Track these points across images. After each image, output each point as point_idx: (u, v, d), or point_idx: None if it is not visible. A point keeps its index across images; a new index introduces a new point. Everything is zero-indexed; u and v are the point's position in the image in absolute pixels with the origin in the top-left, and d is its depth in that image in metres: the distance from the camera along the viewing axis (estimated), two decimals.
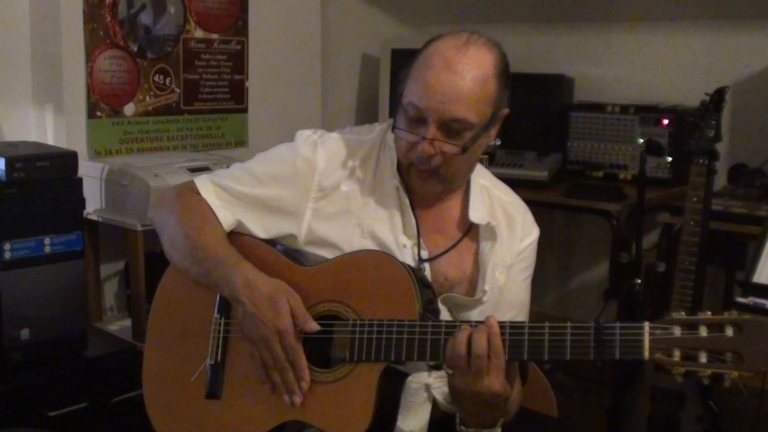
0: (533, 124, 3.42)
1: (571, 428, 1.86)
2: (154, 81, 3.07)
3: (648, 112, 3.29)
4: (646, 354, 1.33)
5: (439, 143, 1.51)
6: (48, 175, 2.27)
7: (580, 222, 3.83)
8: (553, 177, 3.31)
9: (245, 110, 3.40)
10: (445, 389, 1.53)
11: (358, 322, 1.49)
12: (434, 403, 1.58)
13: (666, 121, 3.23)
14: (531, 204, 1.77)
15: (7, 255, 2.20)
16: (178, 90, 3.15)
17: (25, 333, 2.26)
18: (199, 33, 3.18)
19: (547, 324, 1.40)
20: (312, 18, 3.60)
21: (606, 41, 3.69)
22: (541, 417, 1.81)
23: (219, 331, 1.59)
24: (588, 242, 3.83)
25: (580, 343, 1.37)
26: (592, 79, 3.66)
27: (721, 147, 2.41)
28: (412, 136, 1.53)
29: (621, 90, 3.59)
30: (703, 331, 1.31)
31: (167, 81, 3.11)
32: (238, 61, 3.33)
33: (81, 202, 2.38)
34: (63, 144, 2.80)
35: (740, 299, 2.05)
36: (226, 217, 1.62)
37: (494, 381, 1.39)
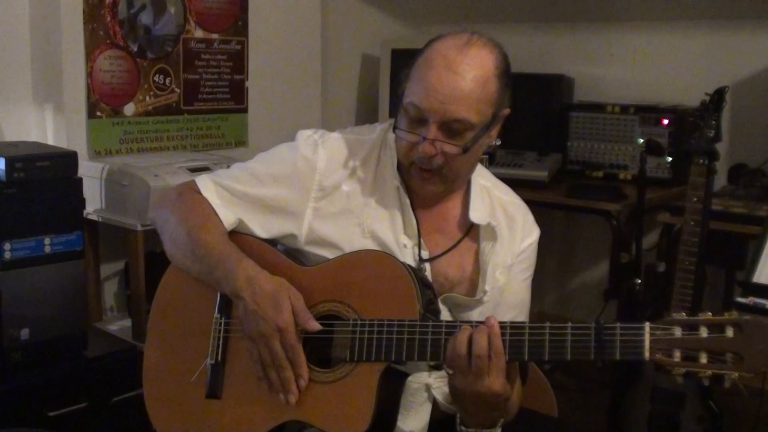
0: (533, 124, 3.42)
1: (571, 428, 1.87)
2: (154, 81, 3.07)
3: (648, 112, 3.28)
4: (647, 354, 1.33)
5: (440, 143, 1.51)
6: (48, 175, 2.27)
7: (580, 222, 3.83)
8: (553, 177, 3.31)
9: (245, 110, 3.40)
10: (446, 389, 1.53)
11: (359, 322, 1.49)
12: (434, 403, 1.58)
13: (666, 121, 3.23)
14: (531, 204, 1.77)
15: (7, 255, 2.20)
16: (178, 90, 3.15)
17: (25, 333, 2.26)
18: (199, 33, 3.18)
19: (547, 324, 1.40)
20: (312, 18, 3.60)
21: (606, 41, 3.69)
22: (541, 417, 1.81)
23: (219, 330, 1.59)
24: (588, 242, 3.83)
25: (580, 343, 1.37)
26: (592, 79, 3.66)
27: (721, 147, 2.41)
28: (413, 137, 1.53)
29: (621, 90, 3.58)
30: (704, 332, 1.31)
31: (167, 81, 3.11)
32: (238, 61, 3.33)
33: (81, 202, 2.38)
34: (63, 144, 2.80)
35: (740, 299, 2.05)
36: (228, 216, 1.62)
37: (494, 381, 1.39)
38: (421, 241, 1.61)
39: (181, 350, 1.62)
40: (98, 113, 2.92)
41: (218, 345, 1.58)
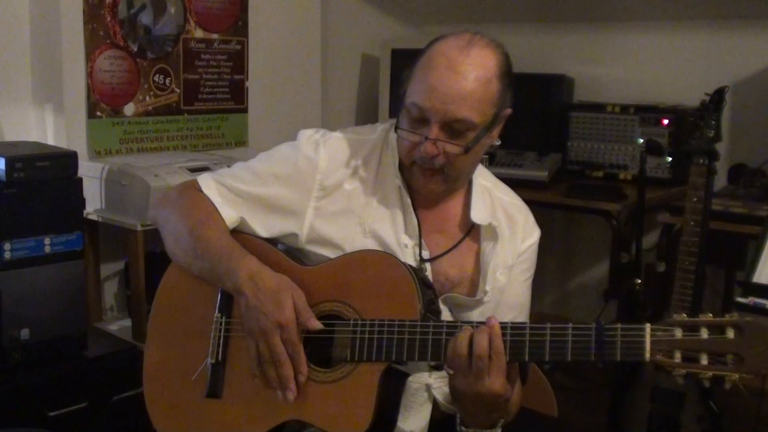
0: (533, 124, 3.42)
1: (571, 428, 1.87)
2: (154, 81, 3.07)
3: (648, 112, 3.28)
4: (647, 355, 1.33)
5: (441, 143, 1.51)
6: (48, 175, 2.26)
7: (580, 222, 3.83)
8: (553, 177, 3.31)
9: (245, 110, 3.40)
10: (446, 389, 1.53)
11: (360, 321, 1.49)
12: (435, 404, 1.58)
13: (666, 121, 3.23)
14: (531, 204, 1.77)
15: (7, 255, 2.20)
16: (178, 90, 3.15)
17: (25, 333, 2.25)
18: (199, 33, 3.18)
19: (548, 325, 1.40)
20: (312, 18, 3.60)
21: (606, 41, 3.68)
22: (541, 417, 1.81)
23: (220, 330, 1.59)
24: (588, 242, 3.83)
25: (581, 344, 1.37)
26: (592, 79, 3.66)
27: (721, 147, 2.41)
28: (415, 136, 1.53)
29: (621, 90, 3.58)
30: (704, 333, 1.31)
31: (167, 81, 3.11)
32: (238, 61, 3.33)
33: (81, 202, 2.38)
34: (63, 144, 2.80)
35: (740, 299, 2.05)
36: (230, 214, 1.62)
37: (495, 381, 1.39)
38: (422, 241, 1.61)
39: (181, 350, 1.62)
40: (98, 113, 2.92)
41: (219, 345, 1.58)
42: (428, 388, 1.57)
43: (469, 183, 1.67)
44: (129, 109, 3.01)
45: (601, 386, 3.18)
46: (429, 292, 1.53)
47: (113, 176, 2.71)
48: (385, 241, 1.59)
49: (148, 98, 3.06)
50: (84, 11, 2.82)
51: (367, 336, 1.48)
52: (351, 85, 3.99)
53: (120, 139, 3.00)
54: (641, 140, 3.25)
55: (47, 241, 2.27)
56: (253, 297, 1.51)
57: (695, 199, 2.36)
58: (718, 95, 2.38)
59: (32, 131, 2.89)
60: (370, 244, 1.59)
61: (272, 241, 1.65)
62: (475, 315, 1.61)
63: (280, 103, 3.51)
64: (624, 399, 2.56)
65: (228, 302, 1.60)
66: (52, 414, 2.26)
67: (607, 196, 3.05)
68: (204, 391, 1.58)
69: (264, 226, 1.63)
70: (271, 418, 1.53)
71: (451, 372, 1.43)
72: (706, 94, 2.40)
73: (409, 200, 1.61)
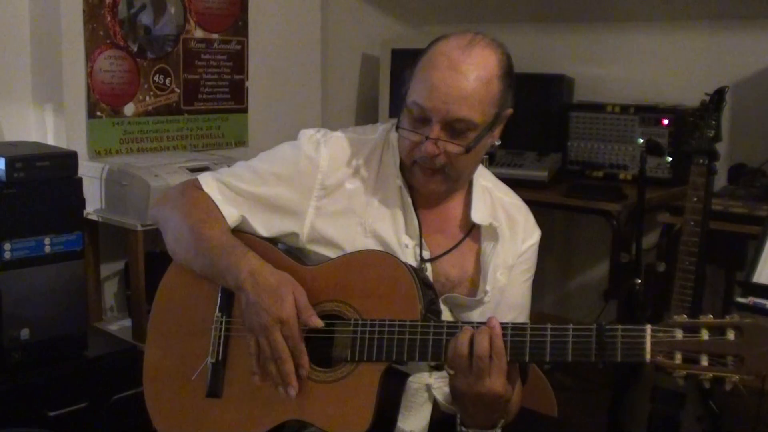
0: (533, 124, 3.42)
1: (571, 428, 1.87)
2: (154, 81, 3.07)
3: (648, 112, 3.28)
4: (648, 357, 1.33)
5: (443, 143, 1.51)
6: (48, 175, 2.26)
7: (580, 222, 3.83)
8: (553, 177, 3.31)
9: (245, 110, 3.40)
10: (446, 390, 1.53)
11: (360, 321, 1.49)
12: (435, 404, 1.58)
13: (666, 121, 3.23)
14: (531, 204, 1.77)
15: (7, 255, 2.20)
16: (178, 90, 3.15)
17: (25, 333, 2.26)
18: (199, 33, 3.18)
19: (548, 325, 1.40)
20: (312, 18, 3.60)
21: (606, 41, 3.68)
22: (541, 417, 1.81)
23: (220, 329, 1.59)
24: (588, 242, 3.83)
25: (581, 345, 1.37)
26: (592, 79, 3.66)
27: (721, 147, 2.41)
28: (416, 136, 1.53)
29: (621, 90, 3.58)
30: (705, 334, 1.31)
31: (167, 81, 3.11)
32: (238, 61, 3.33)
33: (81, 202, 2.38)
34: (63, 144, 2.80)
35: (740, 299, 2.05)
36: (231, 212, 1.63)
37: (496, 382, 1.39)
38: (423, 241, 1.61)
39: (181, 349, 1.62)
40: (98, 113, 2.92)
41: (219, 344, 1.58)
42: (428, 388, 1.57)
43: (470, 183, 1.67)
44: (129, 109, 3.01)
45: (601, 386, 3.18)
46: (429, 293, 1.53)
47: (113, 176, 2.71)
48: (385, 241, 1.59)
49: (148, 98, 3.06)
50: (84, 11, 2.82)
51: (367, 336, 1.48)
52: (351, 85, 3.99)
53: (120, 139, 3.00)
54: (641, 140, 3.25)
55: (47, 241, 2.27)
56: (253, 293, 1.51)
57: (695, 199, 2.36)
58: (718, 95, 2.38)
59: (32, 131, 2.89)
60: (371, 244, 1.59)
61: (273, 241, 1.65)
62: (476, 315, 1.61)
63: (280, 103, 3.51)
64: (624, 399, 2.56)
65: (228, 302, 1.60)
66: (52, 414, 2.26)
67: (607, 196, 3.05)
68: (204, 391, 1.58)
69: (265, 226, 1.63)
70: (271, 418, 1.53)
71: (452, 372, 1.43)
72: (706, 94, 2.40)
73: (409, 200, 1.61)
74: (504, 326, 1.41)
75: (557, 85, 3.56)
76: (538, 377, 2.05)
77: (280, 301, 1.48)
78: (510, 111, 1.59)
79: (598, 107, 3.42)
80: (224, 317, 1.59)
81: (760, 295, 2.01)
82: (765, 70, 3.23)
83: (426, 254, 1.61)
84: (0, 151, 2.25)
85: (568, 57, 3.74)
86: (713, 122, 2.36)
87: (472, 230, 1.65)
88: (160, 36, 3.06)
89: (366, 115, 3.97)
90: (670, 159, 3.22)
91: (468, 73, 1.49)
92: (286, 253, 1.63)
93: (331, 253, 1.59)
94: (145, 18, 3.00)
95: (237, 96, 3.36)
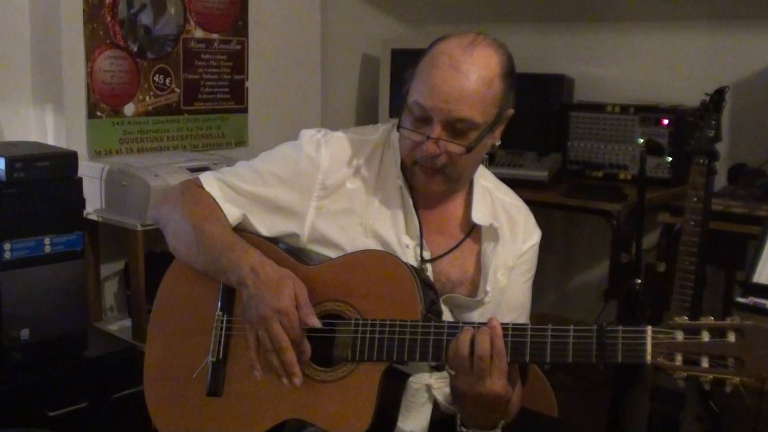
0: (533, 124, 3.42)
1: (571, 428, 1.86)
2: (154, 81, 3.07)
3: (648, 112, 3.28)
4: (649, 358, 1.33)
5: (444, 143, 1.51)
6: (48, 175, 2.27)
7: (580, 222, 3.83)
8: (553, 177, 3.31)
9: (245, 110, 3.40)
10: (446, 390, 1.53)
11: (361, 321, 1.49)
12: (435, 404, 1.58)
13: (666, 121, 3.23)
14: (531, 204, 1.77)
15: (7, 255, 2.20)
16: (178, 90, 3.15)
17: (25, 333, 2.26)
18: (199, 33, 3.18)
19: (549, 326, 1.40)
20: (312, 18, 3.60)
21: (606, 41, 3.68)
22: (541, 417, 1.81)
23: (221, 328, 1.59)
24: (588, 242, 3.83)
25: (582, 346, 1.37)
26: (592, 79, 3.66)
27: (721, 147, 2.41)
28: (417, 136, 1.53)
29: (621, 90, 3.58)
30: (705, 336, 1.31)
31: (167, 81, 3.11)
32: (238, 61, 3.33)
33: (81, 202, 2.38)
34: (63, 144, 2.80)
35: (740, 299, 2.05)
36: (232, 211, 1.63)
37: (496, 382, 1.39)
38: (423, 241, 1.61)
39: (182, 348, 1.62)
40: (98, 113, 2.92)
41: (219, 343, 1.58)
42: (429, 388, 1.57)
43: (471, 184, 1.67)
44: (129, 109, 3.01)
45: (601, 386, 3.17)
46: (430, 293, 1.53)
47: (113, 176, 2.71)
48: (386, 241, 1.59)
49: (148, 98, 3.06)
50: (84, 11, 2.81)
51: (368, 336, 1.48)
52: (351, 85, 3.99)
53: (120, 139, 2.99)
54: (641, 140, 3.25)
55: (47, 241, 2.27)
56: (253, 287, 1.51)
57: (695, 199, 2.36)
58: (718, 95, 2.38)
59: (32, 131, 2.89)
60: (371, 244, 1.59)
61: (274, 241, 1.65)
62: (476, 316, 1.61)
63: (280, 103, 3.51)
64: (624, 399, 2.56)
65: (230, 301, 1.60)
66: (52, 414, 2.26)
67: (607, 196, 3.05)
68: (204, 390, 1.58)
69: (265, 225, 1.64)
70: (271, 417, 1.53)
71: (453, 372, 1.43)
72: (706, 94, 2.40)
73: (410, 200, 1.61)
74: (504, 327, 1.41)
75: (557, 85, 3.55)
76: (538, 377, 2.04)
77: (279, 292, 1.48)
78: (511, 111, 1.59)
79: (598, 107, 3.42)
80: (225, 316, 1.59)
81: (760, 295, 2.01)
82: (765, 70, 3.23)
83: (426, 254, 1.61)
84: (0, 151, 2.25)
85: (568, 57, 3.74)
86: (713, 122, 2.36)
87: (472, 231, 1.65)
88: (160, 36, 3.06)
89: (366, 115, 3.97)
90: (670, 159, 3.22)
91: (469, 73, 1.49)
92: (287, 252, 1.63)
93: (332, 253, 1.59)
94: (145, 18, 3.00)
95: (237, 96, 3.36)
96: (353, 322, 1.50)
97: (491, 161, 3.22)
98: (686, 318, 1.34)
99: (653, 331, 1.34)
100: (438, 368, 1.56)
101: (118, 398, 2.39)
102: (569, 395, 3.16)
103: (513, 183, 1.80)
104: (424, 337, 1.45)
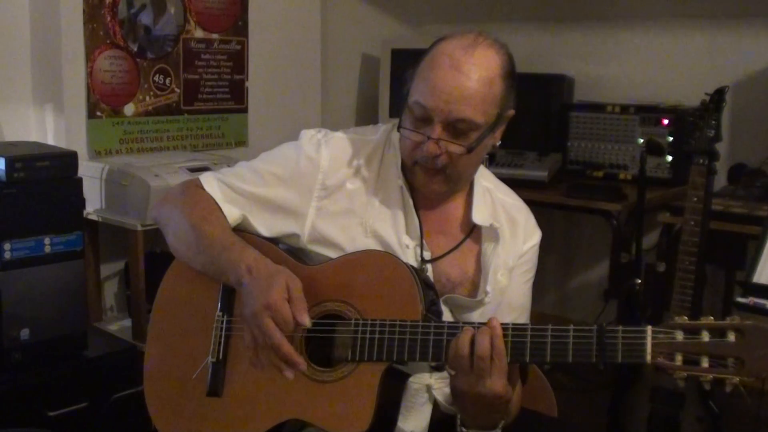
0: (533, 124, 3.42)
1: (571, 428, 1.86)
2: (154, 81, 3.07)
3: (648, 112, 3.29)
4: (649, 358, 1.33)
5: (444, 143, 1.51)
6: (48, 175, 2.27)
7: (580, 222, 3.83)
8: (553, 177, 3.31)
9: (245, 110, 3.40)
10: (447, 390, 1.53)
11: (361, 321, 1.49)
12: (435, 404, 1.58)
13: (666, 121, 3.23)
14: (531, 204, 1.77)
15: (7, 255, 2.20)
16: (178, 90, 3.15)
17: (25, 333, 2.26)
18: (199, 33, 3.18)
19: (549, 326, 1.40)
20: (312, 18, 3.60)
21: (606, 41, 3.69)
22: (541, 417, 1.81)
23: (221, 329, 1.59)
24: (588, 242, 3.83)
25: (582, 346, 1.37)
26: (592, 79, 3.67)
27: (721, 147, 2.41)
28: (418, 136, 1.53)
29: (621, 90, 3.59)
30: (705, 336, 1.31)
31: (167, 81, 3.11)
32: (238, 61, 3.33)
33: (81, 202, 2.38)
34: (63, 144, 2.80)
35: (740, 299, 2.05)
36: (231, 211, 1.63)
37: (496, 382, 1.39)
38: (423, 241, 1.61)
39: (182, 348, 1.62)
40: (98, 113, 2.92)
41: (220, 343, 1.58)
42: (429, 388, 1.57)
43: (471, 184, 1.67)
44: (129, 109, 3.01)
45: (601, 386, 3.18)
46: (430, 293, 1.52)
47: (113, 176, 2.71)
48: (386, 241, 1.59)
49: (148, 98, 3.06)
50: (84, 11, 2.82)
51: (368, 336, 1.48)
52: (351, 85, 3.99)
53: (120, 139, 3.00)
54: (641, 140, 3.25)
55: (47, 241, 2.27)
56: (249, 284, 1.51)
57: (695, 199, 2.36)
58: (718, 95, 2.38)
59: (32, 131, 2.89)
60: (372, 245, 1.59)
61: (274, 241, 1.65)
62: (476, 316, 1.60)
63: (280, 103, 3.51)
64: (624, 399, 2.56)
65: (230, 301, 1.60)
66: (52, 414, 2.26)
67: (607, 196, 3.05)
68: (204, 390, 1.58)
69: (266, 226, 1.64)
70: (271, 417, 1.53)
71: (453, 372, 1.43)
72: (706, 94, 2.40)
73: (410, 200, 1.61)
74: (505, 327, 1.41)
75: (557, 85, 3.56)
76: (538, 378, 2.04)
77: (268, 287, 1.47)
78: (512, 112, 1.59)
79: (598, 107, 3.42)
80: (225, 316, 1.59)
81: (760, 295, 2.01)
82: (765, 70, 3.24)
83: (427, 255, 1.61)
84: (0, 151, 2.25)
85: (568, 57, 3.74)
86: (713, 122, 2.36)
87: (472, 231, 1.65)
88: (160, 36, 3.06)
89: (366, 115, 3.97)
90: (670, 159, 3.22)
91: (470, 73, 1.48)
92: (287, 253, 1.63)
93: (332, 254, 1.59)
94: (145, 18, 3.00)
95: (237, 96, 3.36)
96: (353, 322, 1.50)
97: (491, 161, 3.22)
98: (686, 318, 1.34)
99: (653, 331, 1.34)
100: (438, 368, 1.56)
101: (118, 398, 2.39)
102: (569, 395, 3.17)
103: (513, 183, 1.80)
104: (424, 337, 1.45)
